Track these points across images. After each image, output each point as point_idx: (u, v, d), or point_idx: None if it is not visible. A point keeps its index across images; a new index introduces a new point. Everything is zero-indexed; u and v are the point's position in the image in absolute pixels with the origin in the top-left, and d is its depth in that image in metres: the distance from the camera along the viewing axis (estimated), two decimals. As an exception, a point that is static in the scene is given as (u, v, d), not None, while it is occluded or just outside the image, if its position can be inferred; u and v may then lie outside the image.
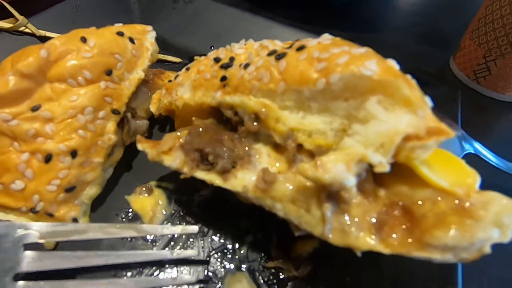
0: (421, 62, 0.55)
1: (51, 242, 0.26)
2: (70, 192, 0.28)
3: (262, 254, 0.29)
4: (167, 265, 0.27)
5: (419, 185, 0.21)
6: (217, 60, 0.28)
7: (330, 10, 0.67)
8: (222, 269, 0.28)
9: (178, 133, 0.29)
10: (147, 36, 0.36)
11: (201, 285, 0.27)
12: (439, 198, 0.20)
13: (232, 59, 0.27)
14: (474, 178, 0.21)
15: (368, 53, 0.21)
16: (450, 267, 0.27)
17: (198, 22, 0.51)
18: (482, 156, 0.35)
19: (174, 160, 0.27)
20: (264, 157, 0.25)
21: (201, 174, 0.26)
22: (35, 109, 0.27)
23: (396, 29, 0.64)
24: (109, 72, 0.30)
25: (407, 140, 0.20)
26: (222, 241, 0.30)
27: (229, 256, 0.29)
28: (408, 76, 0.20)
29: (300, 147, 0.23)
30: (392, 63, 0.20)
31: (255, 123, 0.24)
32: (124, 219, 0.30)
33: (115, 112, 0.31)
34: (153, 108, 0.35)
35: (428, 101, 0.20)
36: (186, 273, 0.27)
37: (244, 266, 0.28)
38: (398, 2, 0.74)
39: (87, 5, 0.51)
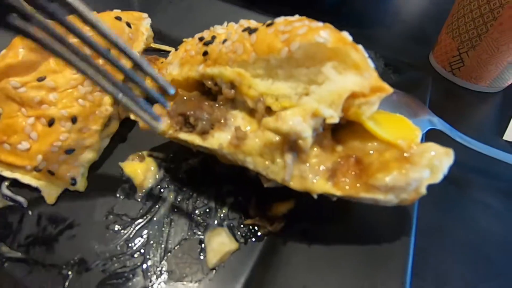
0: (404, 56, 0.59)
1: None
2: (70, 154, 0.31)
3: (242, 213, 0.32)
4: (155, 218, 0.31)
5: (370, 140, 0.25)
6: (201, 39, 0.31)
7: (322, 6, 0.71)
8: (204, 224, 0.31)
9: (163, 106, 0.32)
10: (143, 22, 0.40)
11: (186, 237, 0.30)
12: (385, 150, 0.24)
13: (213, 37, 0.30)
14: (416, 133, 0.24)
15: (324, 25, 0.24)
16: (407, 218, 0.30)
17: (193, 15, 0.55)
18: (446, 132, 0.38)
19: (161, 124, 0.30)
20: (238, 120, 0.28)
21: (183, 135, 0.29)
22: (41, 79, 0.30)
23: (382, 26, 0.68)
24: (107, 51, 0.34)
25: (354, 97, 0.23)
26: (205, 202, 0.33)
27: (212, 214, 0.32)
28: (357, 45, 0.24)
29: (269, 109, 0.27)
30: (345, 34, 0.24)
31: (231, 90, 0.28)
32: (118, 182, 0.34)
33: (112, 86, 0.34)
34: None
35: (371, 65, 0.24)
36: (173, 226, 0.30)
37: (224, 223, 0.31)
38: (386, 4, 0.78)
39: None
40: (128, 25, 0.37)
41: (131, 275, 0.27)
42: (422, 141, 0.38)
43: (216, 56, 0.29)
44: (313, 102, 0.24)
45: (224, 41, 0.29)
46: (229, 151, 0.27)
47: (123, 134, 0.38)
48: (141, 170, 0.34)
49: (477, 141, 0.38)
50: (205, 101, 0.30)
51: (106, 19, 0.35)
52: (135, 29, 0.38)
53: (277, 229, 0.30)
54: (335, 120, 0.23)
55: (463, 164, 0.41)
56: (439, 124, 0.39)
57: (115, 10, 0.38)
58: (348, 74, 0.24)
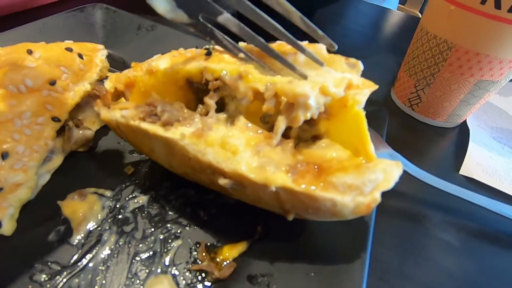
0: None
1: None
2: (-4, 193, 0.28)
3: (189, 258, 0.30)
4: (90, 264, 0.28)
5: (331, 150, 0.26)
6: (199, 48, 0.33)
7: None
8: (146, 272, 0.28)
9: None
10: (98, 53, 0.39)
11: (122, 287, 0.27)
12: (344, 160, 0.25)
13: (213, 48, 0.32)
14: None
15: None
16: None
17: (158, 46, 0.55)
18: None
19: (125, 111, 0.29)
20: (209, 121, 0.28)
21: (146, 125, 0.28)
22: (-30, 111, 0.28)
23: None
24: (52, 82, 0.32)
25: (350, 88, 0.26)
26: (150, 245, 0.30)
27: (155, 259, 0.29)
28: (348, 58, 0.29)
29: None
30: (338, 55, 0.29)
31: (237, 81, 0.28)
32: (52, 223, 0.31)
33: (55, 119, 0.32)
34: (108, 85, 0.36)
35: (361, 67, 0.29)
36: (109, 275, 0.27)
37: (169, 269, 0.29)
38: (353, 41, 0.83)
39: (52, 27, 0.54)
40: (80, 56, 0.36)
41: (51, 337, 0.24)
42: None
43: (219, 57, 0.30)
44: (321, 80, 0.27)
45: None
46: (190, 141, 0.26)
47: (67, 170, 0.35)
48: (82, 209, 0.32)
49: (435, 175, 0.39)
50: (178, 103, 0.30)
51: (55, 49, 0.34)
52: (88, 60, 0.37)
53: (225, 275, 0.28)
54: (340, 94, 0.26)
55: (421, 199, 0.41)
56: (396, 158, 0.39)
57: (66, 41, 0.37)
58: (344, 73, 0.28)
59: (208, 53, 0.31)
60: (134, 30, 0.58)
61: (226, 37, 0.29)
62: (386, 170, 0.23)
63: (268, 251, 0.30)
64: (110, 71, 0.49)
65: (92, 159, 0.37)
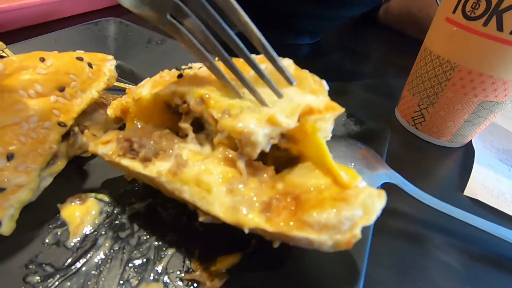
0: (371, 110, 0.61)
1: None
2: (-1, 193, 0.29)
3: (182, 267, 0.29)
4: (83, 268, 0.28)
5: (312, 177, 0.25)
6: (178, 69, 0.33)
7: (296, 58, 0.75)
8: (138, 279, 0.28)
9: (119, 132, 0.32)
10: (107, 63, 0.40)
11: (112, 293, 0.27)
12: (324, 189, 0.24)
13: (190, 68, 0.33)
14: (357, 179, 0.24)
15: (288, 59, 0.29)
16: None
17: (166, 59, 0.57)
18: (400, 186, 0.38)
19: (106, 148, 0.30)
20: (184, 152, 0.28)
21: (126, 162, 0.28)
22: (-19, 113, 0.29)
23: (354, 81, 0.72)
24: (61, 89, 0.34)
25: (310, 114, 0.25)
26: (144, 252, 0.30)
27: (148, 266, 0.29)
28: (316, 76, 0.28)
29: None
30: (305, 71, 0.28)
31: (200, 106, 0.28)
32: (50, 226, 0.31)
33: (61, 124, 0.33)
34: (109, 111, 0.37)
35: (326, 87, 0.27)
36: (101, 280, 0.27)
37: (161, 277, 0.28)
38: (359, 61, 0.84)
39: (67, 39, 0.56)
40: (90, 65, 0.38)
41: None
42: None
43: (189, 78, 0.30)
44: (271, 110, 0.25)
45: (200, 67, 0.32)
46: (167, 179, 0.26)
47: (69, 174, 0.36)
48: (80, 213, 0.32)
49: (439, 195, 0.38)
50: (157, 131, 0.30)
51: (66, 58, 0.36)
52: (97, 69, 0.39)
53: (217, 286, 0.28)
54: (291, 126, 0.24)
55: (421, 219, 0.40)
56: (395, 178, 0.38)
57: (78, 51, 0.39)
58: (307, 95, 0.27)
59: (180, 76, 0.32)
60: (144, 44, 0.60)
61: (194, 40, 0.28)
62: (366, 204, 0.22)
63: (261, 264, 0.30)
64: (118, 81, 0.51)
65: (94, 165, 0.38)
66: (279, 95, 0.27)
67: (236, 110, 0.26)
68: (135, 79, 0.54)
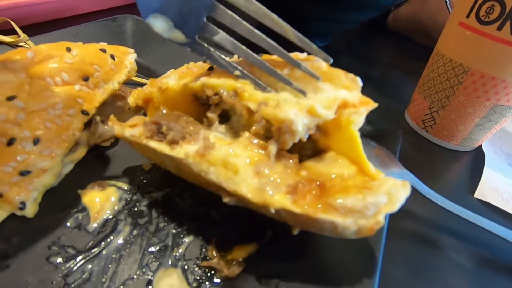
0: (381, 113, 0.62)
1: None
2: (24, 176, 0.30)
3: (199, 254, 0.30)
4: (104, 252, 0.28)
5: (336, 167, 0.26)
6: (205, 61, 0.34)
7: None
8: (157, 264, 0.29)
9: (145, 117, 0.33)
10: (128, 56, 0.41)
11: (133, 276, 0.27)
12: (348, 177, 0.25)
13: None
14: (381, 173, 0.25)
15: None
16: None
17: (183, 56, 0.58)
18: (415, 186, 0.38)
19: (133, 131, 0.31)
20: (210, 137, 0.28)
21: (153, 144, 0.29)
22: (10, 98, 0.30)
23: (365, 83, 0.73)
24: (86, 78, 0.35)
25: (345, 107, 0.26)
26: (162, 238, 0.31)
27: (166, 252, 0.30)
28: (347, 73, 0.29)
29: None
30: (337, 69, 0.29)
31: (233, 98, 0.29)
32: (72, 210, 0.32)
33: (84, 112, 0.34)
34: (130, 100, 0.38)
35: (360, 83, 0.28)
36: (121, 263, 0.28)
37: (179, 263, 0.29)
38: (369, 64, 0.85)
39: (86, 34, 0.58)
40: (112, 57, 0.39)
41: (61, 317, 0.24)
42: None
43: (220, 71, 0.31)
44: (310, 101, 0.27)
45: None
46: (194, 161, 0.26)
47: (89, 162, 0.37)
48: (100, 199, 0.33)
49: (449, 197, 0.38)
50: (183, 117, 0.30)
51: (90, 49, 0.37)
52: (119, 62, 0.40)
53: (234, 274, 0.28)
54: (330, 117, 0.25)
55: (433, 219, 0.40)
56: (409, 178, 0.39)
57: (101, 43, 0.40)
58: (340, 90, 0.28)
59: (210, 68, 0.33)
60: (160, 40, 0.61)
61: (222, 56, 0.30)
62: (391, 192, 0.22)
63: (278, 255, 0.30)
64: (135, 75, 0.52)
65: (113, 154, 0.39)
66: (316, 77, 0.28)
67: (273, 102, 0.27)
68: (151, 75, 0.54)
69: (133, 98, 0.36)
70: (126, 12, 0.68)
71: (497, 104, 0.47)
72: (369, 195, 0.22)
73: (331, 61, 0.29)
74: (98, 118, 0.37)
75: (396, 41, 1.04)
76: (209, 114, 0.31)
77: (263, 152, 0.26)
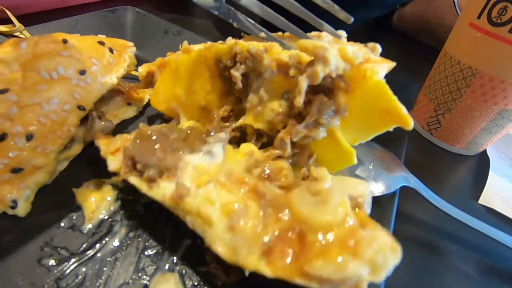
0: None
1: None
2: (16, 174, 0.28)
3: (197, 259, 0.29)
4: (98, 254, 0.27)
5: (323, 212, 0.23)
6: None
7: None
8: (153, 268, 0.27)
9: (128, 136, 0.31)
10: (127, 50, 0.40)
11: (128, 281, 0.26)
12: (333, 226, 0.22)
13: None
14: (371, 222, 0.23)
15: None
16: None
17: (183, 51, 0.56)
18: (419, 191, 0.37)
19: (114, 162, 0.29)
20: (189, 171, 0.26)
21: (133, 180, 0.27)
22: (3, 91, 0.29)
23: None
24: (83, 72, 0.33)
25: (368, 62, 0.27)
26: (159, 241, 0.30)
27: (164, 256, 0.29)
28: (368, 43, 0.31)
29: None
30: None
31: (263, 53, 0.29)
32: (66, 209, 0.31)
33: (80, 107, 0.33)
34: (141, 69, 0.39)
35: (379, 49, 0.30)
36: (116, 267, 0.27)
37: (177, 268, 0.28)
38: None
39: (83, 25, 0.56)
40: (111, 50, 0.37)
41: (52, 324, 0.23)
42: (395, 199, 0.37)
43: (248, 38, 0.32)
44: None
45: None
46: (170, 205, 0.25)
47: (85, 159, 0.36)
48: (95, 199, 0.32)
49: (453, 202, 0.37)
50: (163, 142, 0.28)
51: (88, 42, 0.35)
52: (118, 55, 0.38)
53: (233, 280, 0.27)
54: (358, 59, 0.26)
55: (437, 226, 0.39)
56: (413, 182, 0.38)
57: (99, 35, 0.38)
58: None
59: (240, 38, 0.34)
60: (161, 34, 0.60)
61: (248, 18, 0.32)
62: (376, 261, 0.20)
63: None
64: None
65: (110, 151, 0.38)
66: (338, 36, 0.31)
67: (303, 41, 0.27)
68: (151, 69, 0.53)
69: (145, 66, 0.37)
70: (126, 3, 0.66)
71: (505, 109, 0.45)
72: (351, 263, 0.20)
73: (352, 19, 0.31)
74: (94, 113, 0.36)
75: (401, 41, 1.02)
76: (233, 72, 0.30)
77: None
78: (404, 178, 0.38)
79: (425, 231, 0.39)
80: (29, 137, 0.29)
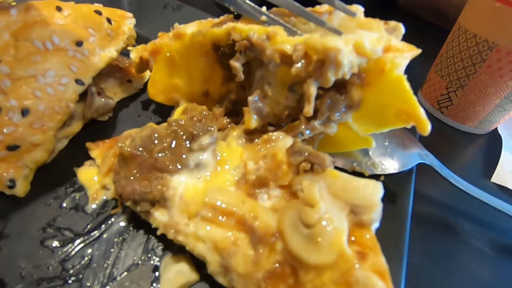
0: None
1: None
2: (13, 151, 0.26)
3: (208, 239, 0.28)
4: (104, 235, 0.26)
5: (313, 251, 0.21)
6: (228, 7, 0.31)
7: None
8: (162, 249, 0.26)
9: (112, 150, 0.29)
10: (126, 21, 0.37)
11: (138, 262, 0.25)
12: (325, 269, 0.20)
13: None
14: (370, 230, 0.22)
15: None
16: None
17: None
18: (435, 168, 0.36)
19: (108, 192, 0.28)
20: (176, 200, 0.25)
21: (129, 205, 0.26)
22: (-6, 63, 0.27)
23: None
24: (79, 43, 0.31)
25: (389, 51, 0.24)
26: (168, 221, 0.28)
27: (173, 237, 0.27)
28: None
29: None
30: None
31: (264, 42, 0.26)
32: (67, 189, 0.29)
33: (78, 82, 0.31)
34: (133, 55, 0.36)
35: (402, 30, 0.27)
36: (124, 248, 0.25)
37: (187, 248, 0.27)
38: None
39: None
40: (109, 21, 0.35)
41: (59, 306, 0.22)
42: (413, 176, 0.35)
43: (248, 19, 0.28)
44: (356, 37, 0.24)
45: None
46: (168, 235, 0.24)
47: (85, 137, 0.34)
48: (99, 178, 0.30)
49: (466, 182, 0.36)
50: (147, 161, 0.26)
51: (84, 10, 0.33)
52: (116, 27, 0.35)
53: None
54: (377, 53, 0.23)
55: (452, 205, 0.38)
56: (429, 159, 0.37)
57: (96, 4, 0.35)
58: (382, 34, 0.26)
59: (237, 16, 0.30)
60: (160, 9, 0.57)
61: (246, 0, 0.28)
62: None
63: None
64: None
65: (111, 129, 0.36)
66: (352, 14, 0.27)
67: (311, 39, 0.24)
68: (151, 45, 0.50)
69: (137, 52, 0.33)
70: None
71: (522, 84, 0.44)
72: None
73: (362, 9, 0.28)
74: (94, 89, 0.33)
75: (406, 20, 0.99)
76: (233, 63, 0.27)
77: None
78: (419, 155, 0.37)
79: (439, 210, 0.38)
80: (25, 112, 0.27)
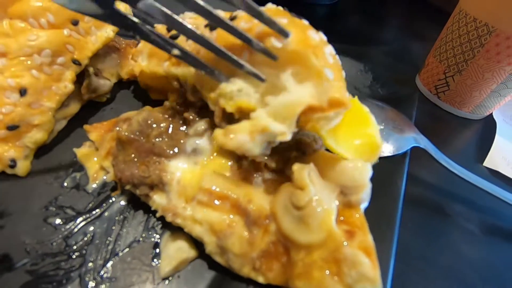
0: (393, 75, 0.59)
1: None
2: (12, 131, 0.27)
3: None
4: (106, 213, 0.26)
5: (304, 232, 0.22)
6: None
7: (315, 19, 0.71)
8: (163, 227, 0.27)
9: (110, 134, 0.30)
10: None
11: (139, 238, 0.26)
12: (314, 248, 0.22)
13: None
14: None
15: (289, 22, 0.22)
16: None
17: (183, 9, 0.52)
18: (430, 152, 0.37)
19: (109, 175, 0.28)
20: (174, 185, 0.25)
21: (129, 189, 0.27)
22: (-12, 41, 0.26)
23: (372, 46, 0.68)
24: (75, 22, 0.30)
25: (312, 112, 0.21)
26: (168, 201, 0.29)
27: (173, 215, 0.28)
28: (325, 47, 0.22)
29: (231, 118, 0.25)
30: (312, 34, 0.22)
31: (195, 95, 0.26)
32: (68, 169, 0.29)
33: (75, 62, 0.30)
34: (122, 72, 0.36)
35: (338, 62, 0.22)
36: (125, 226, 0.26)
37: (186, 227, 0.27)
38: (378, 26, 0.79)
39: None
40: (105, -1, 0.34)
41: (64, 280, 0.23)
42: (406, 159, 0.36)
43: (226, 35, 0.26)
44: (265, 116, 0.22)
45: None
46: (167, 218, 0.25)
47: (83, 118, 0.34)
48: (98, 158, 0.30)
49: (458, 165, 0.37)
50: (145, 145, 0.26)
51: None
52: (112, 6, 0.35)
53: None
54: (286, 137, 0.21)
55: (444, 187, 0.39)
56: (424, 143, 0.37)
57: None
58: (307, 84, 0.21)
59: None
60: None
61: (154, 30, 0.23)
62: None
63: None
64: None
65: (110, 110, 0.36)
66: (273, 58, 0.22)
67: (228, 99, 0.24)
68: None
69: (124, 70, 0.36)
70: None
71: (518, 70, 0.44)
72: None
73: (290, 34, 0.21)
74: (91, 69, 0.33)
75: (409, 2, 0.97)
76: (186, 115, 0.28)
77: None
78: (414, 139, 0.37)
79: (432, 192, 0.39)
80: (23, 92, 0.27)
